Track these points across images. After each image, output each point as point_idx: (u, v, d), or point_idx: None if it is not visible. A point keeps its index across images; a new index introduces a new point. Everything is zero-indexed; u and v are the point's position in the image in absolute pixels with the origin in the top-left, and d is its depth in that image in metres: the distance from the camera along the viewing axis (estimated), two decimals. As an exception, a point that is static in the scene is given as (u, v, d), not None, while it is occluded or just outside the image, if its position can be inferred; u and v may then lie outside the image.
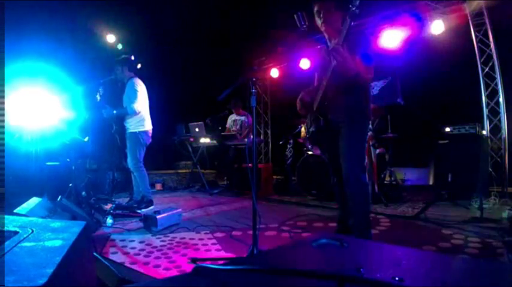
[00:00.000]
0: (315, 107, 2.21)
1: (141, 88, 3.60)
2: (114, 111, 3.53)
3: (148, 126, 3.68)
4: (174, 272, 1.76)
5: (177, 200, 4.55)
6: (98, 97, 3.50)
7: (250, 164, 2.06)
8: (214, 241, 2.38)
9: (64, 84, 3.20)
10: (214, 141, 5.60)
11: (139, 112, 3.55)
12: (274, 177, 5.85)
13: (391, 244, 0.87)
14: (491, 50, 4.15)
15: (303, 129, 4.99)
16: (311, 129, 2.36)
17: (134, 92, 3.53)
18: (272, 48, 6.43)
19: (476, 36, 4.27)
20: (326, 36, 2.20)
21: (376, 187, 3.85)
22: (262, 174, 4.94)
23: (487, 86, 4.26)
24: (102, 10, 5.71)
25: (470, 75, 4.35)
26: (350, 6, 1.77)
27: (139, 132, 3.59)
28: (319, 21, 2.12)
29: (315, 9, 2.10)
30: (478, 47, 4.26)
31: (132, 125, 3.60)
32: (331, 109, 2.14)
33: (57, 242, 0.77)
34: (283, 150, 5.72)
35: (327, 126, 2.17)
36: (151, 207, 3.59)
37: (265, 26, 6.01)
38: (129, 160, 3.60)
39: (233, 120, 5.63)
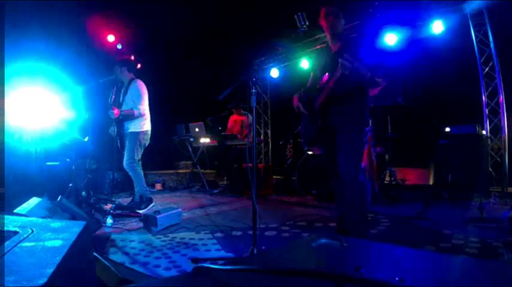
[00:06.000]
0: (317, 107, 2.22)
1: (145, 90, 3.64)
2: (122, 113, 3.52)
3: (148, 127, 3.68)
4: (174, 272, 1.76)
5: (177, 200, 4.54)
6: (113, 97, 3.53)
7: (250, 164, 2.06)
8: (214, 241, 2.38)
9: (64, 84, 3.19)
10: (215, 142, 5.60)
11: (144, 114, 3.58)
12: (274, 177, 5.84)
13: (391, 244, 0.87)
14: (491, 50, 4.15)
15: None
16: (307, 133, 2.37)
17: (139, 94, 3.57)
18: (272, 48, 6.43)
19: (476, 36, 4.27)
20: (329, 40, 2.25)
21: (376, 187, 3.85)
22: (262, 174, 4.94)
23: (487, 86, 4.26)
24: (102, 10, 5.71)
25: (470, 75, 4.35)
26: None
27: (140, 132, 3.59)
28: (325, 25, 2.17)
29: (324, 11, 2.15)
30: (478, 47, 4.26)
31: (132, 126, 3.60)
32: (331, 110, 2.16)
33: (57, 242, 0.77)
34: (283, 150, 5.72)
35: (325, 127, 2.18)
36: (152, 205, 3.58)
37: (265, 26, 6.01)
38: (124, 159, 3.55)
39: (234, 120, 5.63)
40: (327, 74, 2.17)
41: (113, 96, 3.62)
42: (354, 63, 1.88)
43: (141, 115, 3.56)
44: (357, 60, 1.90)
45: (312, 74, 2.46)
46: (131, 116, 3.56)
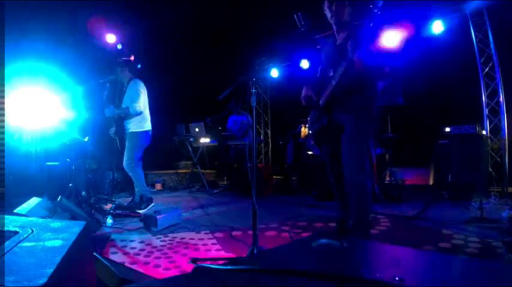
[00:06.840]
0: (321, 104, 2.17)
1: (143, 89, 3.64)
2: (117, 111, 3.53)
3: (148, 127, 3.68)
4: (174, 272, 1.76)
5: (177, 200, 4.54)
6: (105, 95, 3.53)
7: (250, 164, 2.05)
8: (214, 241, 2.38)
9: (64, 84, 3.19)
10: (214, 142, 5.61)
11: (141, 112, 3.57)
12: (274, 177, 5.84)
13: (391, 244, 0.87)
14: (491, 50, 4.16)
15: (303, 129, 4.99)
16: (315, 127, 2.30)
17: (137, 93, 3.56)
18: (272, 48, 6.43)
19: (476, 36, 4.27)
20: (334, 29, 2.15)
21: (376, 187, 3.85)
22: (262, 174, 4.94)
23: (487, 86, 4.26)
24: (102, 10, 5.71)
25: (470, 75, 4.36)
26: (371, 7, 1.72)
27: (140, 132, 3.59)
28: (329, 14, 2.08)
29: (327, 1, 2.06)
30: (478, 47, 4.27)
31: (132, 125, 3.59)
32: (337, 108, 2.08)
33: (57, 242, 0.77)
34: (283, 150, 5.72)
35: (330, 125, 2.13)
36: (152, 205, 3.58)
37: (265, 26, 6.01)
38: (124, 159, 3.55)
39: (234, 120, 5.63)
40: (331, 71, 2.09)
41: (106, 93, 3.62)
42: (362, 48, 1.79)
43: (136, 113, 3.54)
44: (364, 46, 1.81)
45: (319, 67, 2.38)
46: (127, 115, 3.55)
